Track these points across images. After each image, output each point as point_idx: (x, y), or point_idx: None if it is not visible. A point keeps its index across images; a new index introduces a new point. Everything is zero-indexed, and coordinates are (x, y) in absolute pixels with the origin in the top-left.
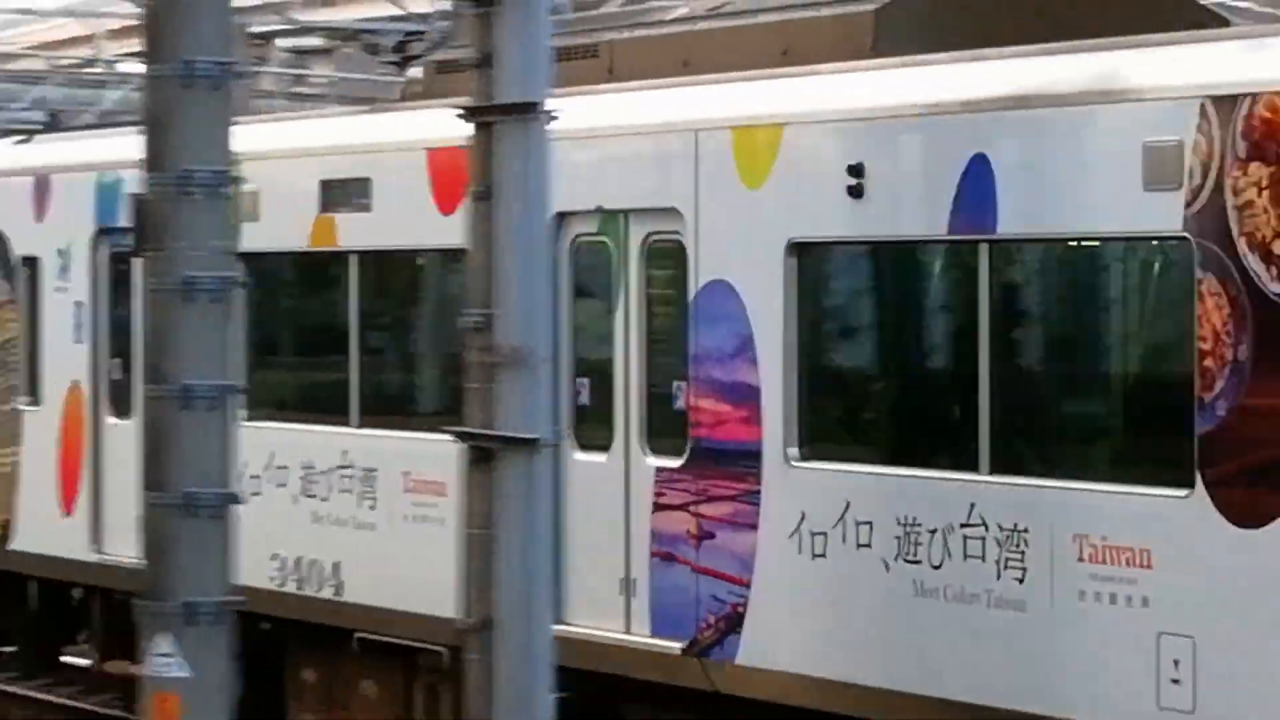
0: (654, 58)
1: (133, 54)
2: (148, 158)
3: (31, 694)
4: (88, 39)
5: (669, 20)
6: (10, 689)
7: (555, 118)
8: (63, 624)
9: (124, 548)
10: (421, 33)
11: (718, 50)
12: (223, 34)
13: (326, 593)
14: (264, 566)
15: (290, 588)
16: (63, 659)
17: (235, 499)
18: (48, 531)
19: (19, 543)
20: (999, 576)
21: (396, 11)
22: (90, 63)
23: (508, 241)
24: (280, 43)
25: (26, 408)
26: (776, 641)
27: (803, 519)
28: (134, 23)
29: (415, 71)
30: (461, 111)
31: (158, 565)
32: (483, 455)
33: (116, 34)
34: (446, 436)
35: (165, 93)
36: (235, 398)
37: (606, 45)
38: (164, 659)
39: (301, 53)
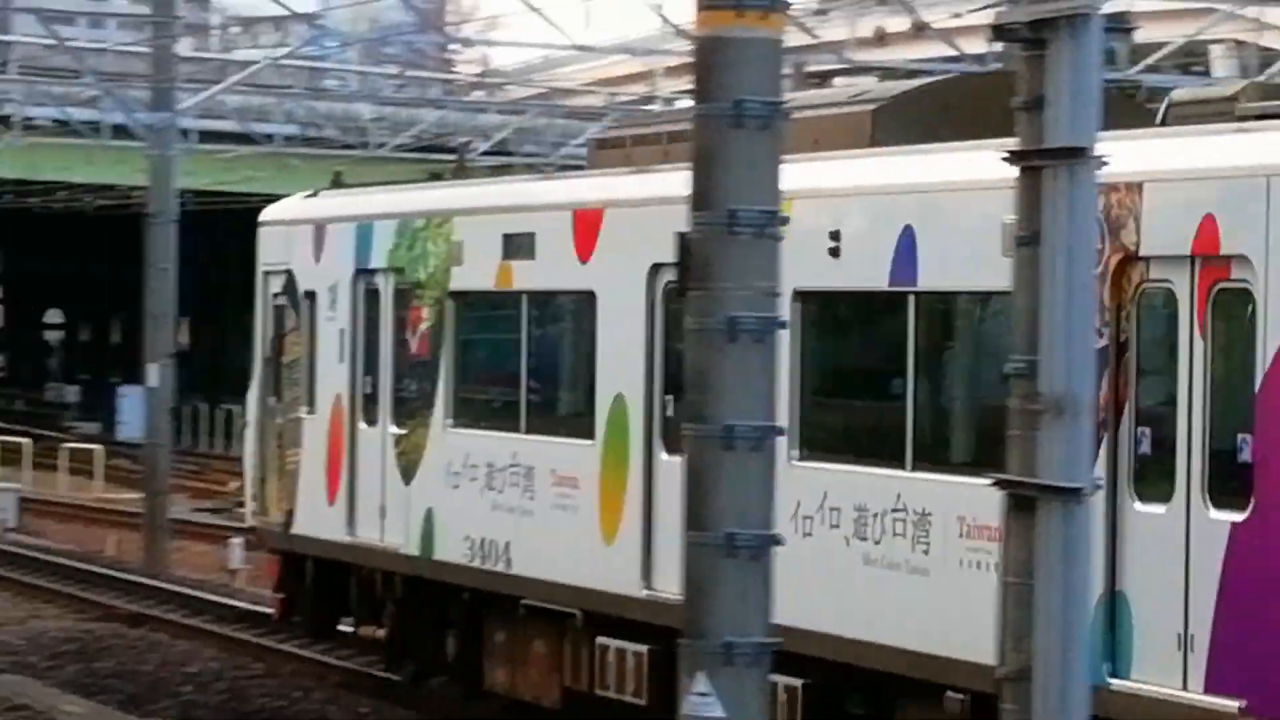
0: None
1: (687, 91)
2: (694, 196)
3: (298, 652)
4: (644, 75)
5: None
6: (288, 649)
7: (1105, 163)
8: (342, 596)
9: (370, 532)
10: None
11: None
12: (772, 74)
13: (500, 566)
14: (460, 546)
15: (477, 563)
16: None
17: (777, 540)
18: (317, 518)
19: (298, 528)
20: (913, 550)
21: (950, 52)
22: (647, 100)
23: (1053, 288)
24: (837, 82)
25: (305, 416)
26: (786, 603)
27: (798, 507)
28: (690, 59)
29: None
30: (1007, 155)
31: (697, 604)
32: (1022, 503)
33: (673, 70)
34: (584, 440)
35: (714, 132)
36: (776, 439)
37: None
38: (701, 698)
39: None
